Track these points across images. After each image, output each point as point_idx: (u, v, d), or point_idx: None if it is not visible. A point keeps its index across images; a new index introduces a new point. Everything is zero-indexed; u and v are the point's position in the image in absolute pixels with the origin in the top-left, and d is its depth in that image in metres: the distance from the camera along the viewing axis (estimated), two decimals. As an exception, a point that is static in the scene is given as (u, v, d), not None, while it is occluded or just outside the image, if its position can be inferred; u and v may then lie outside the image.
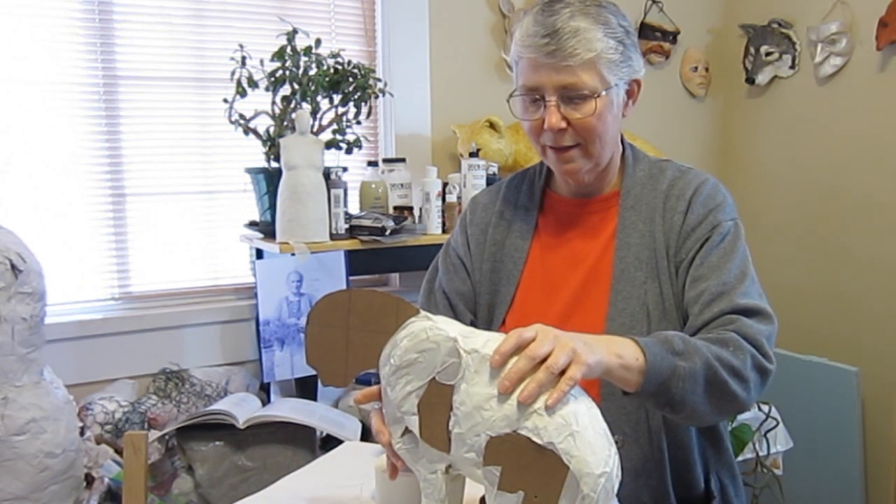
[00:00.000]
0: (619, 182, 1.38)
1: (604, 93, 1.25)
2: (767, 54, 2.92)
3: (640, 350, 1.08)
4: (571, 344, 0.96)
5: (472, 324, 1.41)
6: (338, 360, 1.07)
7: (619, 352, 1.05)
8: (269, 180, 2.17)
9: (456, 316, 1.41)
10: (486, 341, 0.99)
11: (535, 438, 0.92)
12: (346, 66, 2.21)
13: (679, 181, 1.34)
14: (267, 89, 2.18)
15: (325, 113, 2.21)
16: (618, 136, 1.36)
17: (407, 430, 1.03)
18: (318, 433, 2.05)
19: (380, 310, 1.04)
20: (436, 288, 1.46)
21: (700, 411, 1.15)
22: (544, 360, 0.94)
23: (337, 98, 2.21)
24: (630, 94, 1.33)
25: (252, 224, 2.28)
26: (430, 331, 1.00)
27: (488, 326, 1.38)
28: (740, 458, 2.27)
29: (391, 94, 2.39)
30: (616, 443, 1.24)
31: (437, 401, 0.99)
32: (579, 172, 1.32)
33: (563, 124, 1.26)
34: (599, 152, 1.30)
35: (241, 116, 2.18)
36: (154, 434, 1.98)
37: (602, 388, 1.23)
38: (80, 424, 1.94)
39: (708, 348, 1.13)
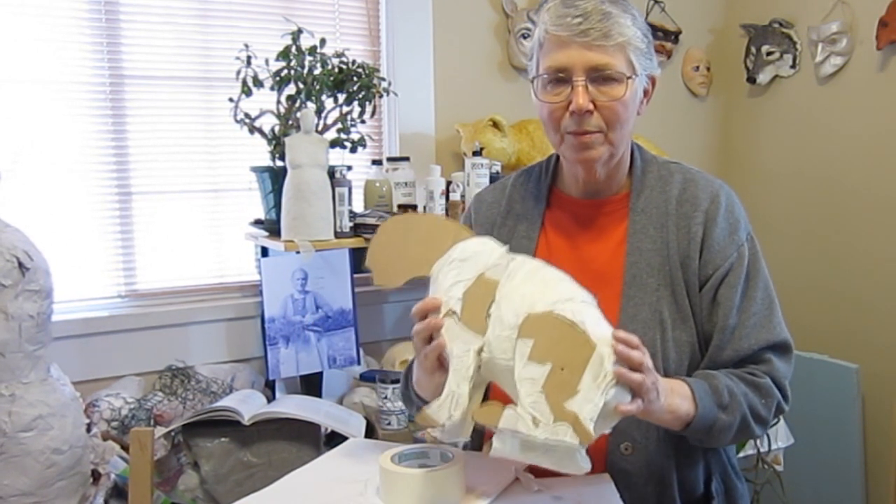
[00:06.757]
0: (629, 184, 1.36)
1: (633, 77, 1.25)
2: (768, 54, 2.93)
3: (693, 404, 1.17)
4: (655, 387, 1.07)
5: None
6: (393, 265, 1.21)
7: (675, 408, 1.15)
8: (274, 179, 2.18)
9: None
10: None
11: (570, 316, 1.01)
12: (350, 65, 2.22)
13: (690, 186, 1.33)
14: (272, 88, 2.19)
15: (329, 112, 2.22)
16: (631, 133, 1.34)
17: (450, 312, 1.12)
18: (322, 430, 2.06)
19: (440, 231, 1.20)
20: None
21: (717, 447, 1.28)
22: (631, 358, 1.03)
23: (341, 97, 2.22)
24: (646, 92, 1.32)
25: (257, 222, 2.29)
26: (486, 243, 1.16)
27: None
28: (741, 454, 2.28)
29: (395, 94, 2.40)
30: (625, 450, 1.27)
31: (482, 291, 1.10)
32: (597, 161, 1.29)
33: (591, 106, 1.24)
34: (619, 141, 1.28)
35: (247, 115, 2.19)
36: (160, 430, 1.98)
37: None
38: (87, 421, 1.94)
39: (745, 397, 1.23)
